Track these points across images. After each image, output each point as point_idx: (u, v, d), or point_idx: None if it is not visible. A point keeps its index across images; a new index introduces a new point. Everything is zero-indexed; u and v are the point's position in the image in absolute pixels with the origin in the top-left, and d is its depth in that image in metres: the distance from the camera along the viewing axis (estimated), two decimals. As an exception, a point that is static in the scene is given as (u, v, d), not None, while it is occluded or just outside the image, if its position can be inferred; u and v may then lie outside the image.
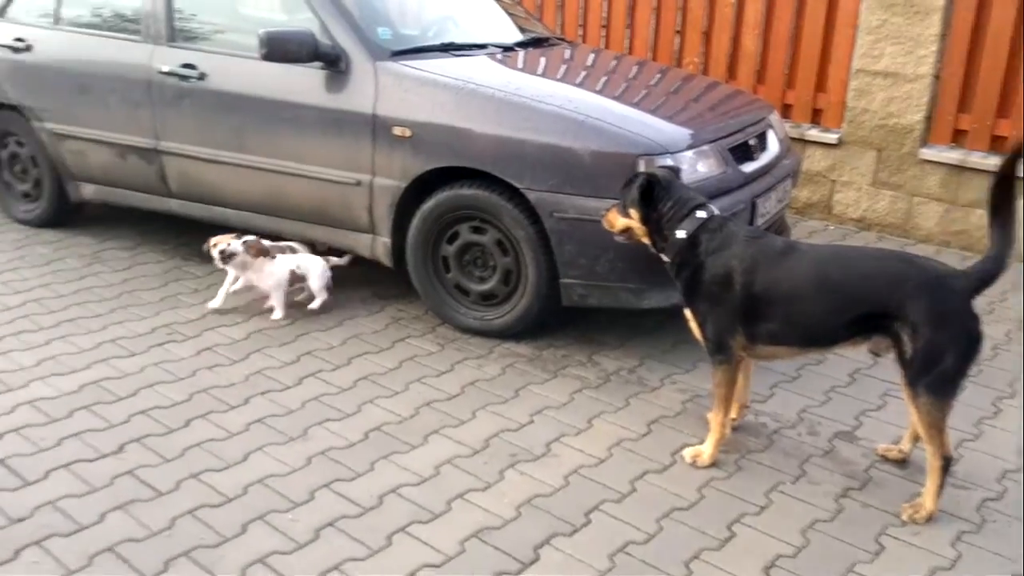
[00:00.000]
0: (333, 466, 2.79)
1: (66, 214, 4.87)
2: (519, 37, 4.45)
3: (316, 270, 3.89)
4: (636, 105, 3.72)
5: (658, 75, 4.40)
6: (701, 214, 2.80)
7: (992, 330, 3.87)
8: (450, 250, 3.67)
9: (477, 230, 3.60)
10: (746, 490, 2.73)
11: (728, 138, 3.64)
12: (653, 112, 3.65)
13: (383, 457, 2.85)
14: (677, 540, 2.49)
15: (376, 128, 3.64)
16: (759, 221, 3.70)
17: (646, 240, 2.93)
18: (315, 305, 3.91)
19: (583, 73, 4.24)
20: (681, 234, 2.79)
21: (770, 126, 4.08)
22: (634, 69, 4.49)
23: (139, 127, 4.25)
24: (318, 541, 2.44)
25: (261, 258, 3.80)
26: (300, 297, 3.98)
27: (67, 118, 4.47)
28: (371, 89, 3.65)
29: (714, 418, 2.87)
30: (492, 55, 4.07)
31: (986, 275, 2.46)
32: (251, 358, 3.49)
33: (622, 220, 2.96)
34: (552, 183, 3.36)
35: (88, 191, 4.65)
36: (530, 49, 4.32)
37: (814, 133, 5.45)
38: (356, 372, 3.41)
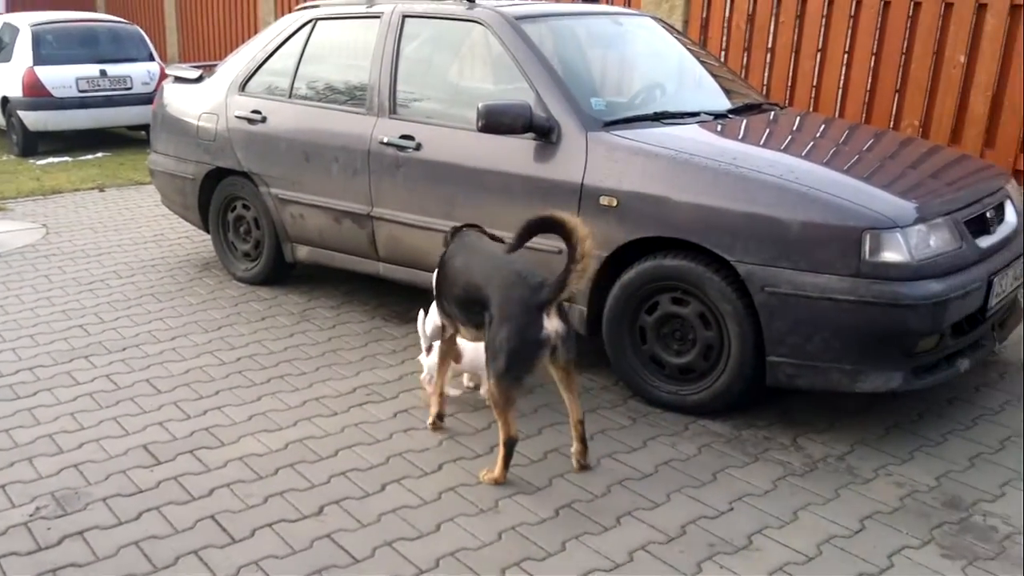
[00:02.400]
0: (524, 544, 2.71)
1: (280, 273, 5.18)
2: (729, 104, 4.33)
3: None
4: (859, 174, 3.51)
5: (878, 140, 4.14)
6: (460, 232, 3.46)
7: None
8: (648, 321, 3.56)
9: (678, 301, 3.47)
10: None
11: (963, 210, 3.35)
12: (878, 181, 3.43)
13: (575, 537, 2.74)
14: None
15: (582, 198, 3.62)
16: (994, 301, 3.35)
17: None
18: None
19: (799, 140, 4.06)
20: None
21: (1008, 196, 3.72)
22: (851, 134, 4.26)
23: (355, 194, 4.46)
24: (508, 625, 2.36)
25: None
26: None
27: (291, 184, 4.76)
28: (581, 159, 3.65)
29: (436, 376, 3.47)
30: (704, 123, 3.97)
31: (554, 289, 2.84)
32: (444, 422, 3.50)
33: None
34: (765, 256, 3.20)
35: (303, 253, 4.92)
36: (742, 116, 4.18)
37: (1052, 201, 4.93)
38: (546, 443, 3.33)
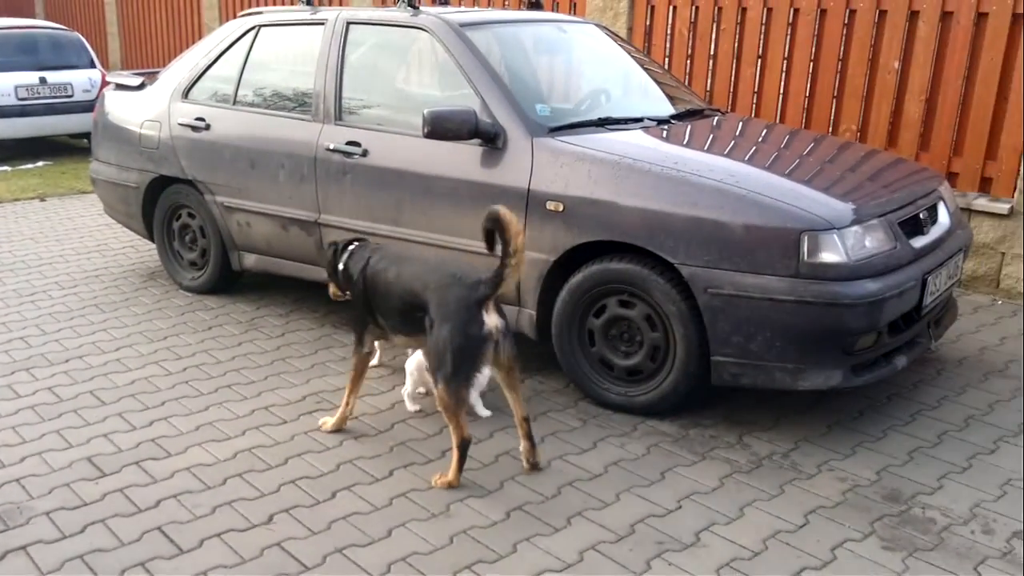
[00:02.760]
0: (476, 547, 2.72)
1: (227, 282, 5.12)
2: (673, 109, 4.41)
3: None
4: (798, 177, 3.60)
5: (816, 144, 4.25)
6: (351, 247, 3.46)
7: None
8: (596, 324, 3.61)
9: (625, 304, 3.52)
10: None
11: (898, 211, 3.47)
12: (816, 184, 3.53)
13: (526, 539, 2.76)
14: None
15: (529, 203, 3.65)
16: (928, 299, 3.46)
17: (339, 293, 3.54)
18: None
19: (740, 145, 4.14)
20: (341, 266, 3.43)
21: (941, 198, 3.85)
22: (791, 138, 4.36)
23: (302, 201, 4.45)
24: (459, 627, 2.37)
25: None
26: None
27: (237, 192, 4.73)
28: (527, 165, 3.68)
29: (345, 396, 3.47)
30: (647, 128, 4.04)
31: (491, 285, 2.89)
32: (396, 428, 3.51)
33: (332, 288, 3.57)
34: (708, 259, 3.26)
35: (250, 261, 4.88)
36: (685, 121, 4.26)
37: (982, 203, 5.12)
38: (497, 446, 3.36)
